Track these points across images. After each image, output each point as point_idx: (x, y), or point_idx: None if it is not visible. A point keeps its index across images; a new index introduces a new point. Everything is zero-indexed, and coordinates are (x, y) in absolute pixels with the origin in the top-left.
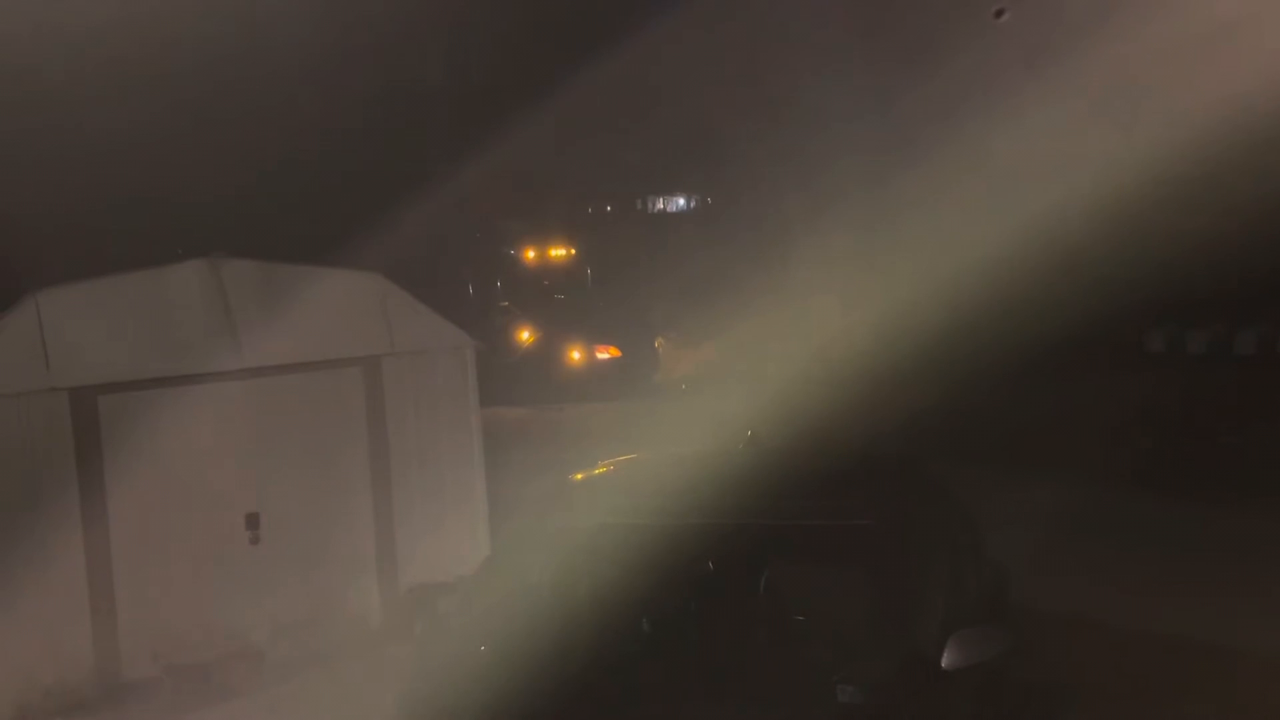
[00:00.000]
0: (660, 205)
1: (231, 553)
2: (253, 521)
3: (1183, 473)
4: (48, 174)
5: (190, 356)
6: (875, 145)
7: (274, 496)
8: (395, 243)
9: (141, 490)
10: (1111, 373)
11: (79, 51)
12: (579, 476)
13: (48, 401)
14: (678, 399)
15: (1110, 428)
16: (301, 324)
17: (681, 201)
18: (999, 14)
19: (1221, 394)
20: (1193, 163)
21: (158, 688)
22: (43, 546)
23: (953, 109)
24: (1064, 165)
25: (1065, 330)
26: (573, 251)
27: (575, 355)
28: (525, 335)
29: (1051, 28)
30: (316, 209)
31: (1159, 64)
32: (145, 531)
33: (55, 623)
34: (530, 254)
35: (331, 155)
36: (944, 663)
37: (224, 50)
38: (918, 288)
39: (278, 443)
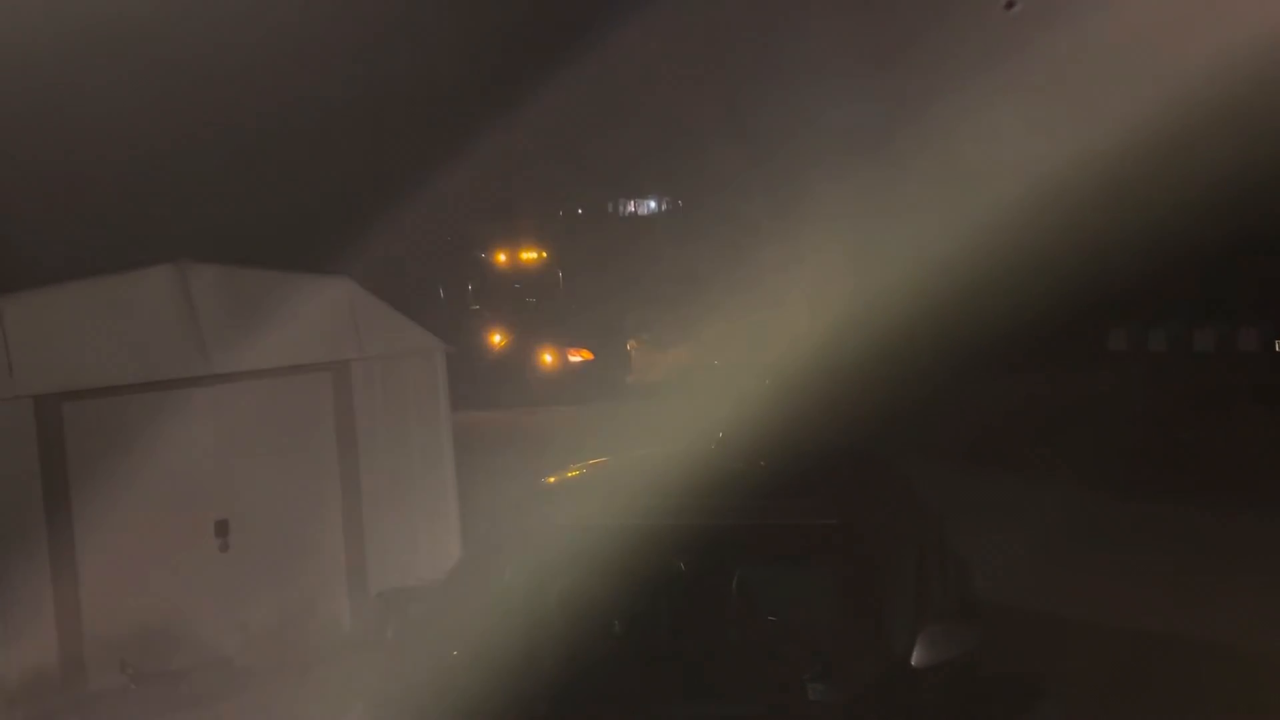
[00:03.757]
0: (631, 208)
1: (200, 560)
2: (221, 528)
3: (1145, 469)
4: (11, 176)
5: (157, 363)
6: (843, 146)
7: (243, 503)
8: (365, 247)
9: (108, 498)
10: (1075, 370)
11: (39, 52)
12: (551, 479)
13: (11, 409)
14: (650, 401)
15: (1074, 425)
16: (270, 329)
17: (653, 204)
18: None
19: (1182, 391)
20: (1157, 163)
21: (126, 696)
22: (6, 555)
23: (920, 107)
24: (1030, 164)
25: (1030, 328)
26: (544, 255)
27: (547, 358)
28: (497, 339)
29: (1019, 24)
30: (285, 214)
31: (1129, 63)
32: (112, 540)
33: (20, 632)
34: (501, 257)
35: (300, 160)
36: (913, 660)
37: (189, 52)
38: (885, 286)
39: (246, 449)
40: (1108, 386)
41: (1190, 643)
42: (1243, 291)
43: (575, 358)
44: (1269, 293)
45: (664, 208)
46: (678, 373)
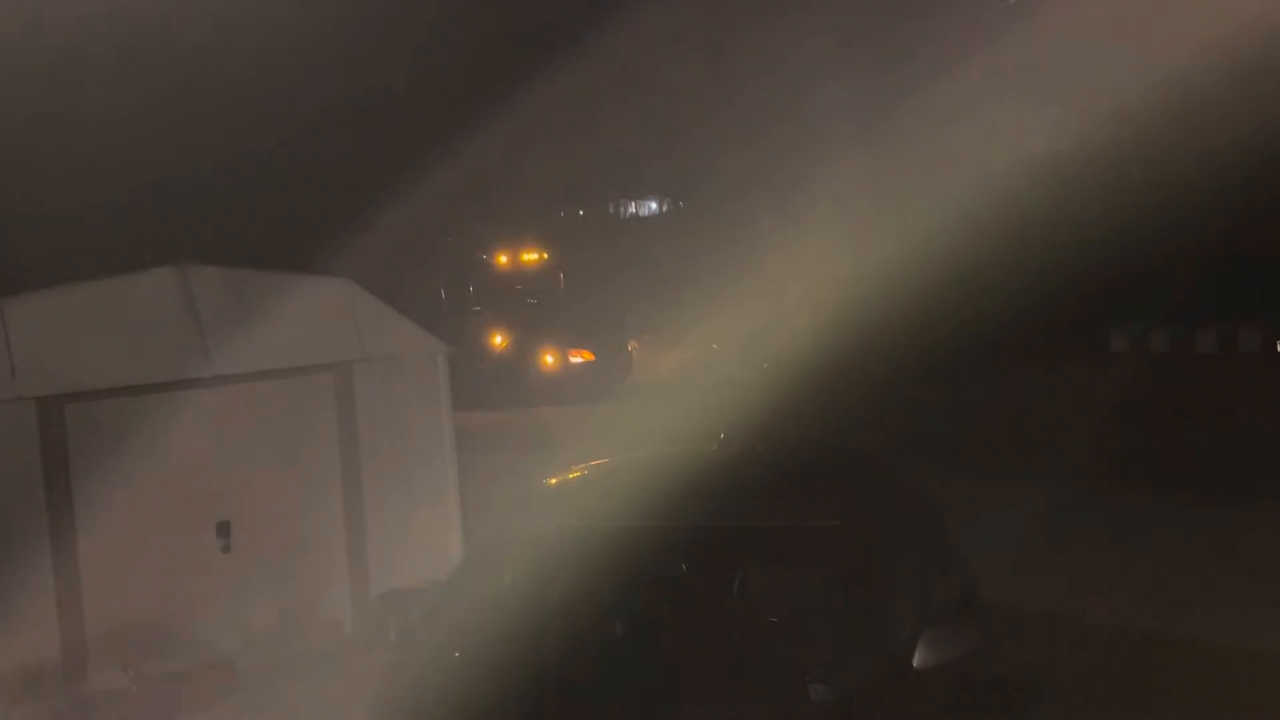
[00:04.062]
0: (632, 208)
1: (202, 561)
2: (223, 530)
3: (1148, 470)
4: (12, 178)
5: (159, 364)
6: (844, 144)
7: (245, 504)
8: (366, 248)
9: (110, 499)
10: (1077, 371)
11: (40, 53)
12: (552, 480)
13: (14, 411)
14: (651, 401)
15: (1076, 425)
16: (272, 331)
17: (653, 204)
18: None
19: (1184, 391)
20: (1156, 164)
21: (128, 697)
22: (9, 556)
23: (920, 107)
24: (1032, 164)
25: (1032, 329)
26: (545, 255)
27: (549, 359)
28: (498, 339)
29: (1022, 25)
30: (286, 214)
31: (1131, 60)
32: (114, 541)
33: (22, 633)
34: (502, 258)
35: (301, 160)
36: (915, 661)
37: (190, 53)
38: (887, 286)
39: (248, 450)
40: (1109, 387)
41: (1191, 643)
42: (1244, 291)
43: (576, 358)
44: (1270, 292)
45: (665, 208)
46: (679, 373)
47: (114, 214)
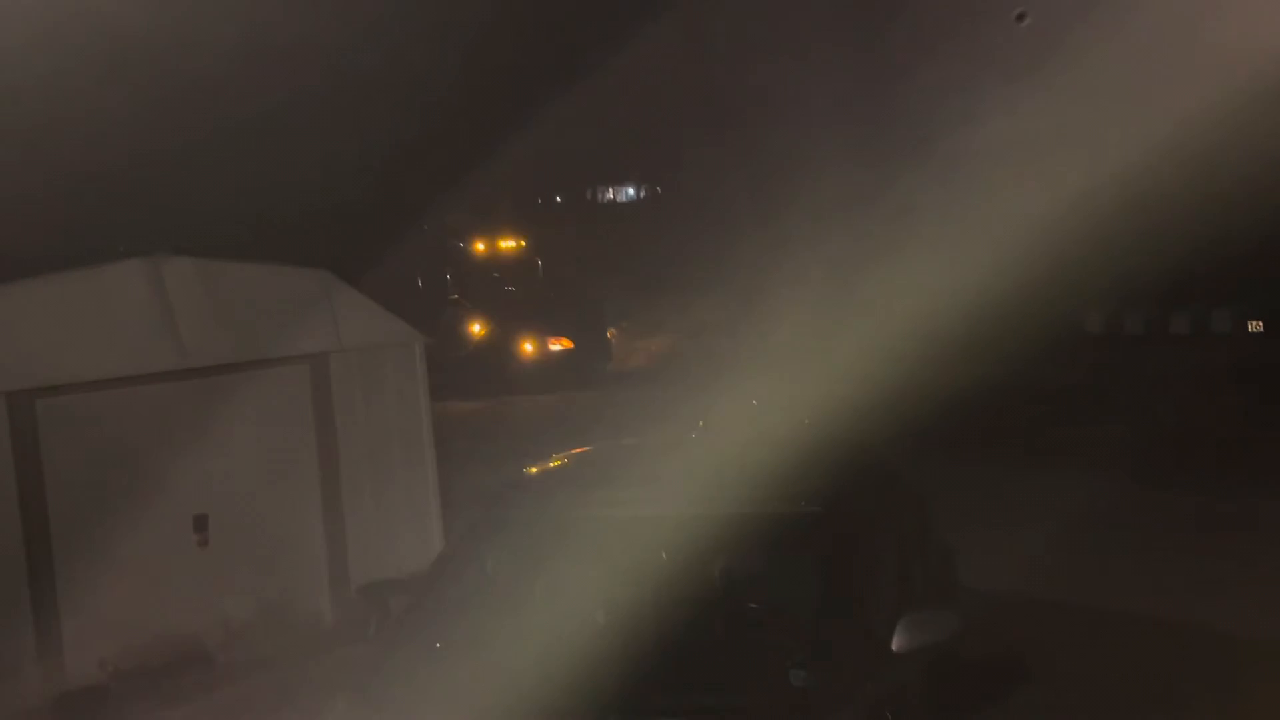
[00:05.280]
0: (610, 195)
1: (179, 555)
2: (200, 523)
3: (1129, 454)
4: None
5: (132, 357)
6: (824, 133)
7: (222, 497)
8: (341, 238)
9: (83, 494)
10: (1053, 354)
11: (15, 46)
12: (532, 469)
13: None
14: (631, 389)
15: (1056, 410)
16: (246, 322)
17: (631, 191)
18: (1020, 17)
19: (1161, 374)
20: (1135, 152)
21: (105, 694)
22: None
23: (904, 99)
24: (1011, 154)
25: (1008, 312)
26: (523, 243)
27: (527, 347)
28: (476, 328)
29: (1006, 13)
30: (260, 206)
31: (1118, 60)
32: (89, 536)
33: None
34: (480, 246)
35: (275, 151)
36: (894, 645)
37: (170, 44)
38: (865, 273)
39: (224, 443)
40: (1088, 369)
41: (1172, 625)
42: (1213, 273)
43: (555, 346)
44: (1239, 273)
45: (643, 195)
46: (659, 360)
47: (85, 205)
